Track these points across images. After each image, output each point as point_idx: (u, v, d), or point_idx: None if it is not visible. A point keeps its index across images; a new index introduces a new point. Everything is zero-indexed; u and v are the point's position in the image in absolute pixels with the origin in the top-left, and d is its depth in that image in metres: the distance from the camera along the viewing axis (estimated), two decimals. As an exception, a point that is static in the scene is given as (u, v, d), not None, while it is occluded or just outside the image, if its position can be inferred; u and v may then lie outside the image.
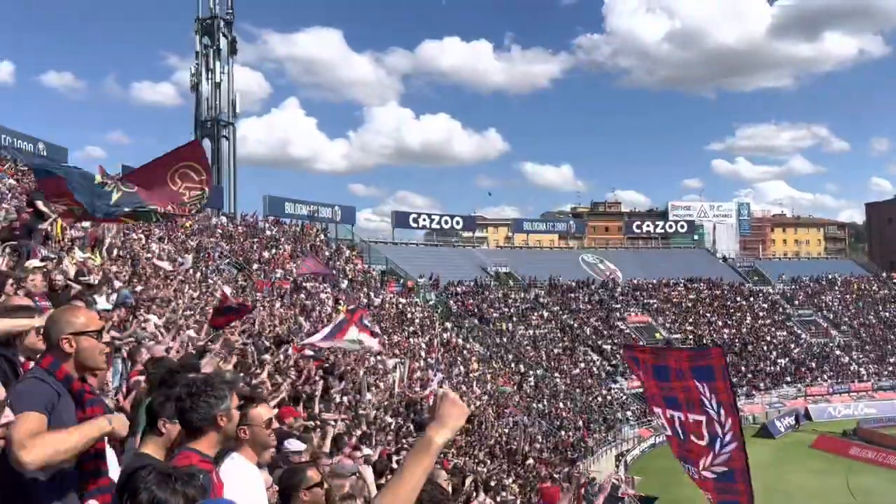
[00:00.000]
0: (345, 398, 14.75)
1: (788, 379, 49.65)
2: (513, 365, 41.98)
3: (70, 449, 2.60)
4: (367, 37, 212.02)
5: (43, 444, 2.52)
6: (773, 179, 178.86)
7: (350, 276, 42.02)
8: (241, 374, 8.80)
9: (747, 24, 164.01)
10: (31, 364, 3.68)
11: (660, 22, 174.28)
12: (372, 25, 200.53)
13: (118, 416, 2.82)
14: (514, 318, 48.23)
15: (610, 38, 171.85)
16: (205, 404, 2.86)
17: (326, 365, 16.00)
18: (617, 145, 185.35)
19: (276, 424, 3.61)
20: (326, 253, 43.74)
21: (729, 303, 57.66)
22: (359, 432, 11.12)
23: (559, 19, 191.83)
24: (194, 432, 2.90)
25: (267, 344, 14.21)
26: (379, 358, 24.23)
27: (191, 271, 22.53)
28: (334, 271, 39.10)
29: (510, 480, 20.54)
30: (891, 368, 52.00)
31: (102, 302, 8.89)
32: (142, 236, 23.02)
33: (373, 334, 14.80)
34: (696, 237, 70.65)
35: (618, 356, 47.61)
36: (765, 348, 52.56)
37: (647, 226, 70.49)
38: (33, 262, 7.94)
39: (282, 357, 13.93)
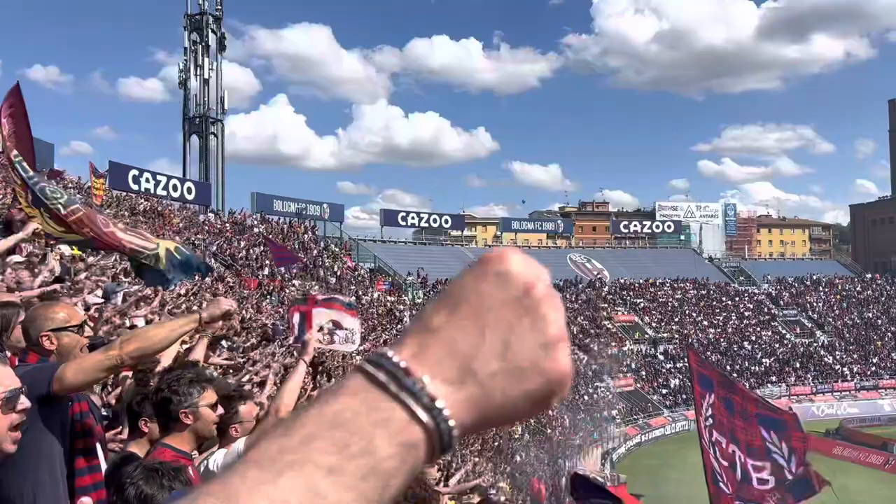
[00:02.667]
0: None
1: (773, 378, 50.04)
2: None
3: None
4: (355, 34, 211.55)
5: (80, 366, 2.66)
6: (760, 180, 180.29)
7: (338, 274, 41.96)
8: (229, 372, 8.80)
9: (735, 26, 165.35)
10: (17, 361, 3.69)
11: (648, 23, 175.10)
12: (360, 22, 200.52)
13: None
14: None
15: (598, 38, 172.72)
16: (167, 401, 2.89)
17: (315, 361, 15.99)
18: (605, 145, 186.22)
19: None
20: (315, 251, 43.66)
21: (715, 303, 58.04)
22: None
23: (548, 19, 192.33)
24: (165, 428, 2.94)
25: (254, 340, 14.20)
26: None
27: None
28: (302, 256, 37.75)
29: (503, 480, 20.59)
30: (873, 368, 52.54)
31: (92, 297, 8.86)
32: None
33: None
34: (682, 237, 71.02)
35: (604, 355, 47.84)
36: (749, 348, 52.95)
37: (635, 226, 70.81)
38: (15, 258, 7.89)
39: (269, 353, 13.92)
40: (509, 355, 0.54)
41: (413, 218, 59.37)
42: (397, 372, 0.51)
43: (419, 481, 3.22)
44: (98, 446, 3.11)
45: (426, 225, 59.79)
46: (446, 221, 60.99)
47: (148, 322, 9.85)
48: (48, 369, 2.72)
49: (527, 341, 0.54)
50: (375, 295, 41.96)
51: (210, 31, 47.23)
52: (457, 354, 0.53)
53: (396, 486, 0.50)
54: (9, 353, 3.54)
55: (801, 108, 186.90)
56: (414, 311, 42.77)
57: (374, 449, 0.48)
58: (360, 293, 40.51)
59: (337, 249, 47.19)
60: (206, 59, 47.06)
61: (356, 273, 44.70)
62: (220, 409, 3.07)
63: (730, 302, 58.69)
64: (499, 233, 68.34)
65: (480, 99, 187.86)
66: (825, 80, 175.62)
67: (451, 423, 0.51)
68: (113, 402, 3.93)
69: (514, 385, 0.54)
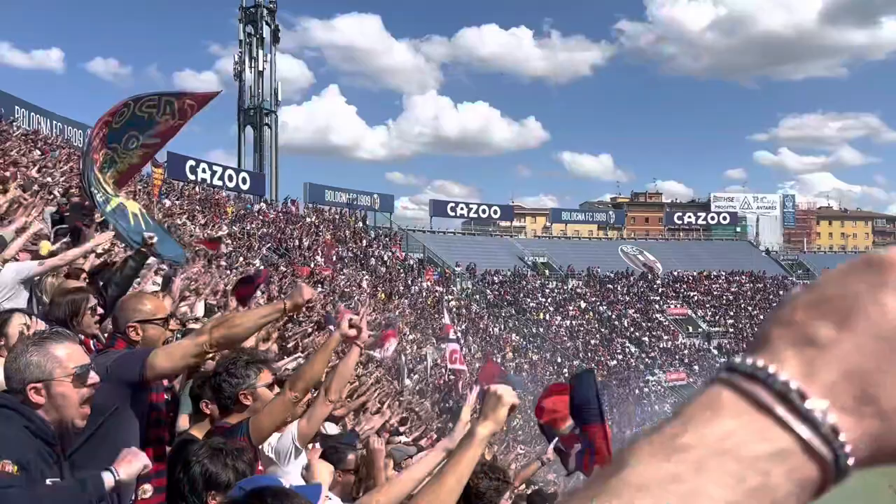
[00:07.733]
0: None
1: (832, 375, 48.62)
2: (548, 355, 41.89)
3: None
4: (405, 23, 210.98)
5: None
6: (820, 171, 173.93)
7: (388, 264, 42.34)
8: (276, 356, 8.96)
9: (797, 11, 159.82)
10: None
11: (704, 9, 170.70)
12: (409, 12, 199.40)
13: None
14: (551, 309, 48.05)
15: (652, 25, 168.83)
16: (226, 384, 2.97)
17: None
18: (658, 135, 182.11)
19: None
20: (364, 242, 44.14)
21: (771, 296, 56.56)
22: (396, 418, 11.27)
23: (600, 6, 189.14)
24: (224, 410, 3.02)
25: (308, 329, 14.44)
26: (416, 346, 24.42)
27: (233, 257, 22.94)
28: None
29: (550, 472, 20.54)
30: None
31: (151, 284, 9.12)
32: (186, 221, 23.49)
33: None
34: (738, 229, 69.29)
35: (656, 349, 47.18)
36: (808, 343, 51.50)
37: (689, 217, 69.43)
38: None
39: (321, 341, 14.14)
40: None
41: (462, 208, 59.39)
42: (789, 394, 0.42)
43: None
44: (166, 436, 3.22)
45: (475, 215, 59.73)
46: (495, 212, 60.83)
47: (211, 312, 10.08)
48: (139, 356, 2.81)
49: None
50: (424, 285, 42.21)
51: (264, 23, 47.94)
52: (854, 378, 0.42)
53: None
54: (82, 337, 3.69)
55: (866, 95, 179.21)
56: (462, 302, 42.84)
57: (774, 486, 0.40)
58: (409, 283, 40.82)
59: (387, 239, 47.60)
60: (261, 52, 47.80)
61: (405, 263, 45.03)
62: (277, 390, 3.15)
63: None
64: (548, 223, 67.85)
65: (531, 88, 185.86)
66: (894, 66, 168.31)
67: (851, 461, 0.41)
68: (176, 386, 4.06)
69: None
